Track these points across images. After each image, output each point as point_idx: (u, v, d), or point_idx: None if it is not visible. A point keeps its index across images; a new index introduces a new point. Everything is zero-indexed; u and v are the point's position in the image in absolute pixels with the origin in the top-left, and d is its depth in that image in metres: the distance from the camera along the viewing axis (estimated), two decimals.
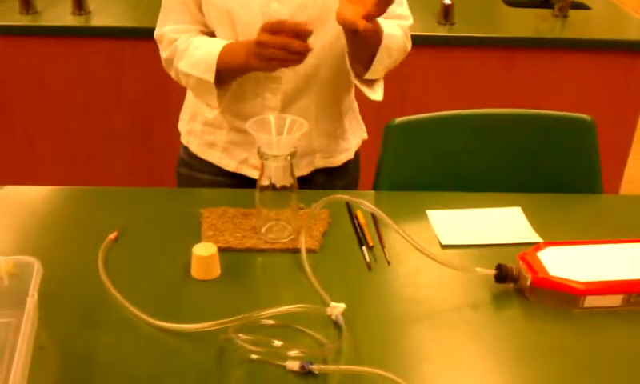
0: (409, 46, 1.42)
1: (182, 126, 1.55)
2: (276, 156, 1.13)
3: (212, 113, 1.40)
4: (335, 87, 1.42)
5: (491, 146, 1.54)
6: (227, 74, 1.32)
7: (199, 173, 1.52)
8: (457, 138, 1.53)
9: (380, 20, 1.31)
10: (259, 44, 1.19)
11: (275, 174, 1.15)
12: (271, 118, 1.15)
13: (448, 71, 2.51)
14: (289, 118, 1.16)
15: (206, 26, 1.38)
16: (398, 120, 1.50)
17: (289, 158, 1.14)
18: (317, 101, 1.40)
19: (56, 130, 2.59)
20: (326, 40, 1.33)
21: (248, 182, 1.46)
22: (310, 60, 1.27)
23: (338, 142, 1.50)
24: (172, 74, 1.40)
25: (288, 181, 1.16)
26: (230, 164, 1.48)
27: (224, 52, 1.29)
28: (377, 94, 1.36)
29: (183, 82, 1.38)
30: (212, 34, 1.39)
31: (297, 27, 1.16)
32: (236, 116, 1.43)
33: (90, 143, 2.62)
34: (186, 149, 1.54)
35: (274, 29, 1.17)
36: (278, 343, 0.94)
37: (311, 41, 1.18)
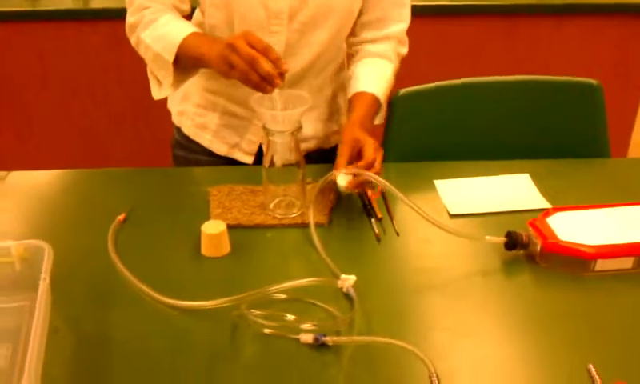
0: (404, 51, 1.43)
1: (173, 106, 1.52)
2: (282, 131, 1.12)
3: (160, 93, 1.33)
4: (330, 74, 1.42)
5: (497, 114, 1.53)
6: (185, 60, 1.26)
7: (194, 154, 1.50)
8: (463, 107, 1.53)
9: (368, 70, 1.36)
10: (230, 46, 1.11)
11: (281, 149, 1.14)
12: (275, 92, 1.14)
13: (451, 40, 2.49)
14: (292, 93, 1.15)
15: (182, 1, 1.33)
16: (403, 91, 1.49)
17: (294, 132, 1.13)
18: (310, 88, 1.38)
19: (57, 113, 2.59)
20: (326, 35, 1.32)
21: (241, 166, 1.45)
22: (308, 54, 1.26)
23: (331, 126, 1.49)
24: (132, 40, 1.34)
25: (294, 156, 1.16)
26: (220, 148, 1.46)
27: (190, 38, 1.24)
28: (377, 120, 1.37)
29: (142, 51, 1.32)
30: (185, 15, 1.35)
31: (275, 57, 1.09)
32: (230, 100, 1.41)
33: (92, 125, 2.62)
34: (179, 130, 1.52)
35: (252, 43, 1.10)
36: (290, 317, 0.95)
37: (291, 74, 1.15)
